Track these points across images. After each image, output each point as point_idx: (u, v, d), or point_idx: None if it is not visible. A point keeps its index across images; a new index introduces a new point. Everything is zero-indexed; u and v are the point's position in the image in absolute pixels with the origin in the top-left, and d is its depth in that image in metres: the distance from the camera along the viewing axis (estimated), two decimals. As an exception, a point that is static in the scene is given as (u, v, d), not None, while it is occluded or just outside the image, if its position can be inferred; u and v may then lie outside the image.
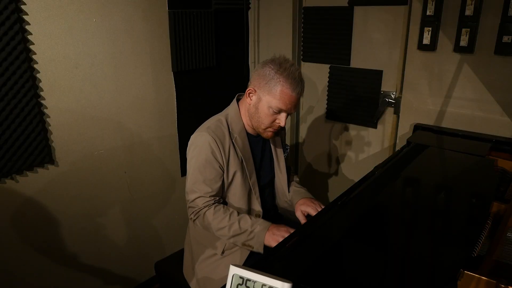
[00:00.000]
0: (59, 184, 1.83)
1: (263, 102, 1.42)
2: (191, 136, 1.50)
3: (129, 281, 2.27)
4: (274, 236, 1.36)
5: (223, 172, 1.48)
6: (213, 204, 1.47)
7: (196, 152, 1.46)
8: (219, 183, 1.48)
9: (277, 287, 0.76)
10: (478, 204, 1.34)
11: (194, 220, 1.50)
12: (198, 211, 1.47)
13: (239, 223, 1.43)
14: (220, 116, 1.53)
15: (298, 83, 1.39)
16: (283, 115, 1.43)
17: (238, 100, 1.57)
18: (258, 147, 1.60)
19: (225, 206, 1.50)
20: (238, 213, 1.47)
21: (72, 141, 1.85)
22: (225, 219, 1.43)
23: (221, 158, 1.45)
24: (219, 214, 1.44)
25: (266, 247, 1.39)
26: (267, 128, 1.47)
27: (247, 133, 1.55)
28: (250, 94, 1.46)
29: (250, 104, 1.47)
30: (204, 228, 1.51)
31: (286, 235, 1.34)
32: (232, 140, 1.48)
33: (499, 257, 1.11)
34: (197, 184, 1.46)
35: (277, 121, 1.45)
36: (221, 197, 1.52)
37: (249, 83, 1.48)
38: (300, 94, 1.42)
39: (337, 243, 1.14)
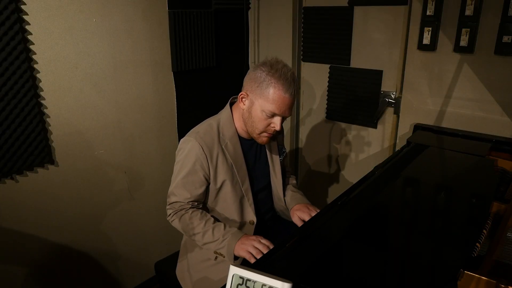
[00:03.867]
0: (59, 184, 1.83)
1: (255, 106, 1.38)
2: (181, 140, 1.48)
3: (129, 281, 2.27)
4: (243, 246, 1.34)
5: (208, 180, 1.46)
6: (190, 208, 1.46)
7: (182, 157, 1.45)
8: (200, 190, 1.46)
9: (277, 287, 0.76)
10: (478, 204, 1.34)
11: (172, 222, 1.50)
12: (175, 213, 1.46)
13: (212, 230, 1.40)
14: (211, 120, 1.50)
15: (290, 83, 1.35)
16: (277, 119, 1.39)
17: (232, 104, 1.54)
18: (252, 151, 1.57)
19: (203, 211, 1.48)
20: (215, 220, 1.45)
21: (72, 141, 1.85)
22: (199, 225, 1.41)
23: (207, 165, 1.43)
24: (194, 220, 1.43)
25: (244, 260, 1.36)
26: (261, 133, 1.43)
27: (241, 138, 1.52)
28: (243, 99, 1.43)
29: (243, 109, 1.44)
30: (180, 231, 1.50)
31: (256, 244, 1.32)
32: (222, 145, 1.46)
33: (499, 257, 1.11)
34: (178, 189, 1.45)
35: (272, 125, 1.40)
36: (201, 203, 1.51)
37: (242, 87, 1.45)
38: (293, 95, 1.37)
39: (337, 243, 1.14)
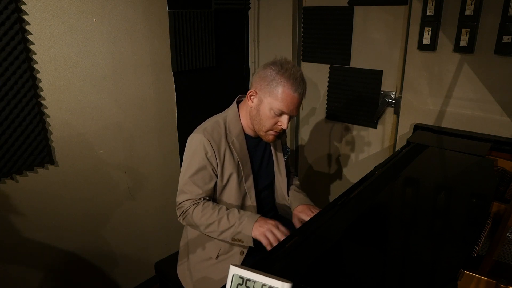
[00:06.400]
0: (59, 184, 1.83)
1: (264, 104, 1.40)
2: (188, 137, 1.49)
3: (129, 281, 2.27)
4: (261, 229, 1.34)
5: (216, 175, 1.47)
6: (201, 201, 1.45)
7: (190, 154, 1.45)
8: (210, 185, 1.46)
9: (277, 287, 0.76)
10: (478, 204, 1.34)
11: (183, 219, 1.48)
12: (187, 210, 1.45)
13: (227, 216, 1.40)
14: (218, 117, 1.51)
15: (299, 83, 1.37)
16: (285, 118, 1.41)
17: (238, 102, 1.55)
18: (258, 149, 1.59)
19: (214, 202, 1.48)
20: (227, 208, 1.45)
21: (72, 141, 1.85)
22: (214, 214, 1.41)
23: (215, 160, 1.44)
24: (207, 210, 1.42)
25: (259, 244, 1.36)
26: (268, 131, 1.45)
27: (247, 136, 1.53)
28: (251, 97, 1.44)
29: (251, 107, 1.45)
30: (192, 228, 1.50)
31: (274, 229, 1.33)
32: (229, 142, 1.47)
33: (499, 257, 1.11)
34: (188, 186, 1.45)
35: (279, 123, 1.42)
36: (211, 198, 1.50)
37: (250, 85, 1.47)
38: (302, 95, 1.40)
39: (337, 243, 1.14)
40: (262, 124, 1.44)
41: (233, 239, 1.41)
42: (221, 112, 1.55)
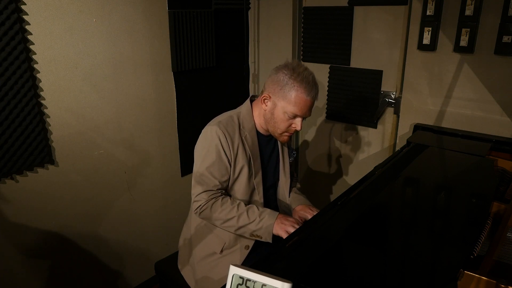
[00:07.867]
0: (59, 184, 1.83)
1: (278, 107, 1.43)
2: (202, 130, 1.51)
3: (129, 281, 2.27)
4: (283, 226, 1.39)
5: (231, 167, 1.49)
6: (220, 196, 1.48)
7: (206, 145, 1.47)
8: (226, 177, 1.49)
9: (277, 287, 0.76)
10: (478, 204, 1.34)
11: (200, 213, 1.48)
12: (205, 204, 1.46)
13: (247, 213, 1.44)
14: (231, 113, 1.54)
15: (312, 87, 1.40)
16: (298, 120, 1.45)
17: (252, 101, 1.58)
18: (268, 147, 1.62)
19: (232, 198, 1.51)
20: (245, 204, 1.49)
21: (72, 141, 1.85)
22: (233, 210, 1.44)
23: (229, 152, 1.46)
24: (227, 206, 1.45)
25: (275, 237, 1.42)
26: (283, 132, 1.49)
27: (258, 133, 1.56)
28: (265, 100, 1.47)
29: (265, 110, 1.48)
30: (209, 221, 1.51)
31: (296, 225, 1.39)
32: (242, 137, 1.50)
33: (499, 257, 1.11)
34: (204, 177, 1.46)
35: (293, 125, 1.46)
36: (226, 191, 1.53)
37: (263, 89, 1.50)
38: (314, 98, 1.43)
39: (337, 243, 1.14)
40: (277, 127, 1.47)
41: (252, 235, 1.45)
42: (234, 109, 1.58)
